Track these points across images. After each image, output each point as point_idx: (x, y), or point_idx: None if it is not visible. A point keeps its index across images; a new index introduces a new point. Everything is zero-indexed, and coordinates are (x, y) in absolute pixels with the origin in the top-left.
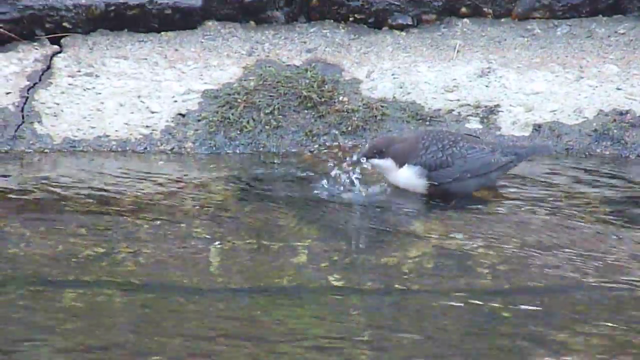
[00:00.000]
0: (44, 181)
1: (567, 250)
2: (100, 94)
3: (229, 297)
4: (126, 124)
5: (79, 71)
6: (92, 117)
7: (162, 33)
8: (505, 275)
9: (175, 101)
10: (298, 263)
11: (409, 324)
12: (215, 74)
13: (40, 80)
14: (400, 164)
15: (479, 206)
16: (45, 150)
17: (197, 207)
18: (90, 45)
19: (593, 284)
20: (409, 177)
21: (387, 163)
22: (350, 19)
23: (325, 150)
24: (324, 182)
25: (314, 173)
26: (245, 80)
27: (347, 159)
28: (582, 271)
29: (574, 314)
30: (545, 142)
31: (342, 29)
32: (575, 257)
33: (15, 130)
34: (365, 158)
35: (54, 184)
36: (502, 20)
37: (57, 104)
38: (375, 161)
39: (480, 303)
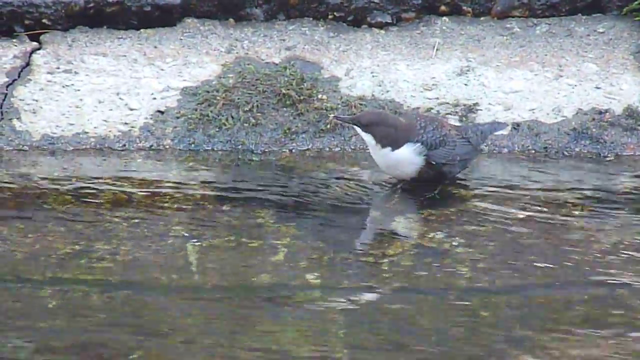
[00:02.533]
0: (22, 178)
1: (546, 249)
2: (79, 90)
3: (208, 295)
4: (105, 121)
5: (58, 68)
6: (71, 114)
7: (142, 30)
8: (485, 273)
9: (154, 98)
10: (276, 261)
11: (387, 323)
12: (194, 71)
13: (19, 77)
14: (392, 141)
15: (459, 204)
16: (24, 147)
17: (176, 204)
18: (69, 42)
19: (572, 283)
20: (406, 153)
21: (367, 138)
22: (330, 16)
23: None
24: (302, 180)
25: (293, 171)
26: (224, 78)
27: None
28: (561, 270)
29: (553, 313)
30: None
31: (321, 26)
32: (554, 256)
33: None
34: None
35: (32, 181)
36: (482, 18)
37: (36, 100)
38: (362, 133)
39: (460, 302)
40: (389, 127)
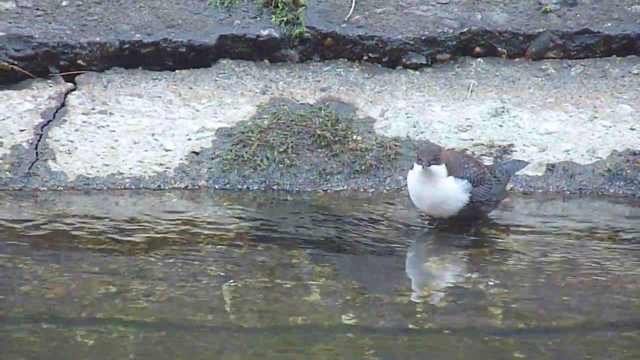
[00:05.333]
0: (57, 219)
1: (581, 290)
2: (114, 131)
3: (242, 336)
4: (140, 161)
5: (93, 109)
6: (106, 154)
7: (177, 71)
8: (519, 314)
9: (189, 139)
10: (311, 302)
11: None
12: (229, 112)
13: (54, 117)
14: (447, 173)
15: (493, 244)
16: (59, 188)
17: (211, 245)
18: (104, 82)
19: (608, 325)
20: (455, 190)
21: (440, 170)
22: (364, 57)
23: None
24: (337, 220)
25: (327, 212)
26: (259, 119)
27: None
28: (596, 311)
29: (588, 355)
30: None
31: (356, 67)
32: (589, 297)
33: (29, 168)
34: (428, 164)
35: (67, 221)
36: (516, 60)
37: (71, 141)
38: (434, 167)
39: (494, 343)
40: (446, 154)
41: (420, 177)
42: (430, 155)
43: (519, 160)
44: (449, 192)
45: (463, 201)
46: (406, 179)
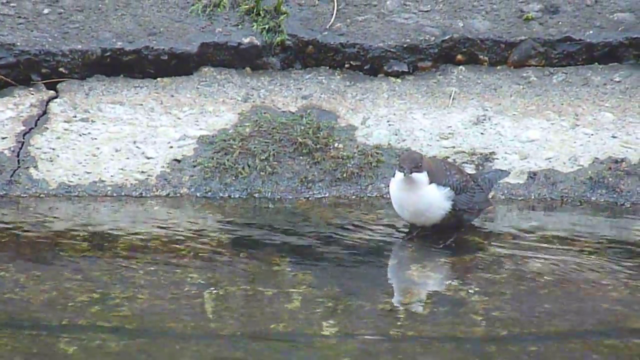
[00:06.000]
0: (39, 225)
1: (562, 297)
2: (96, 139)
3: (223, 343)
4: (122, 169)
5: (75, 116)
6: (88, 162)
7: (158, 79)
8: (501, 321)
9: (171, 147)
10: (292, 309)
11: None
12: (210, 120)
13: (36, 125)
14: (429, 181)
15: (474, 252)
16: (41, 195)
17: (192, 252)
18: (86, 90)
19: (589, 332)
20: (437, 197)
21: (422, 177)
22: (346, 65)
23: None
24: (318, 228)
25: (309, 219)
26: (240, 126)
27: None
28: (578, 318)
29: None
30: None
31: (338, 75)
32: (571, 304)
33: (11, 175)
34: (410, 171)
35: (49, 228)
36: (498, 67)
37: (53, 149)
38: (416, 175)
39: (476, 350)
40: (428, 161)
41: (402, 185)
42: (412, 162)
43: (501, 170)
44: (431, 199)
45: (445, 209)
46: (388, 186)
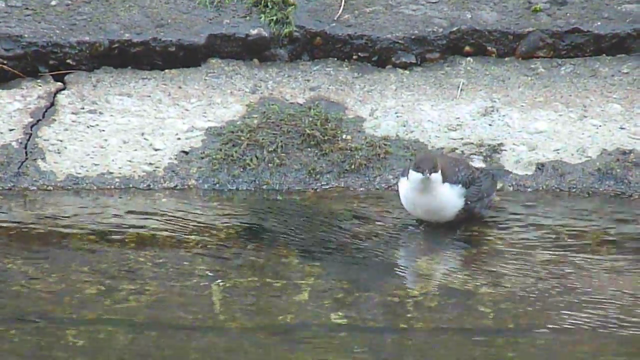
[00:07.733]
0: (47, 218)
1: (571, 290)
2: (103, 131)
3: (232, 335)
4: (129, 161)
5: (83, 108)
6: (96, 154)
7: (166, 70)
8: (509, 314)
9: (179, 138)
10: (301, 301)
11: None
12: (218, 112)
13: (43, 117)
14: (442, 180)
15: (482, 244)
16: (49, 187)
17: (200, 244)
18: (93, 82)
19: (598, 324)
20: (451, 196)
21: (438, 177)
22: (354, 57)
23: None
24: (326, 219)
25: (317, 211)
26: (248, 118)
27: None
28: (586, 311)
29: (579, 354)
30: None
31: (346, 67)
32: (579, 297)
33: (19, 167)
34: (429, 172)
35: (57, 221)
36: (506, 59)
37: (61, 140)
38: (434, 176)
39: (484, 342)
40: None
41: (417, 186)
42: (430, 164)
43: (506, 170)
44: (445, 199)
45: (459, 207)
46: (396, 177)
